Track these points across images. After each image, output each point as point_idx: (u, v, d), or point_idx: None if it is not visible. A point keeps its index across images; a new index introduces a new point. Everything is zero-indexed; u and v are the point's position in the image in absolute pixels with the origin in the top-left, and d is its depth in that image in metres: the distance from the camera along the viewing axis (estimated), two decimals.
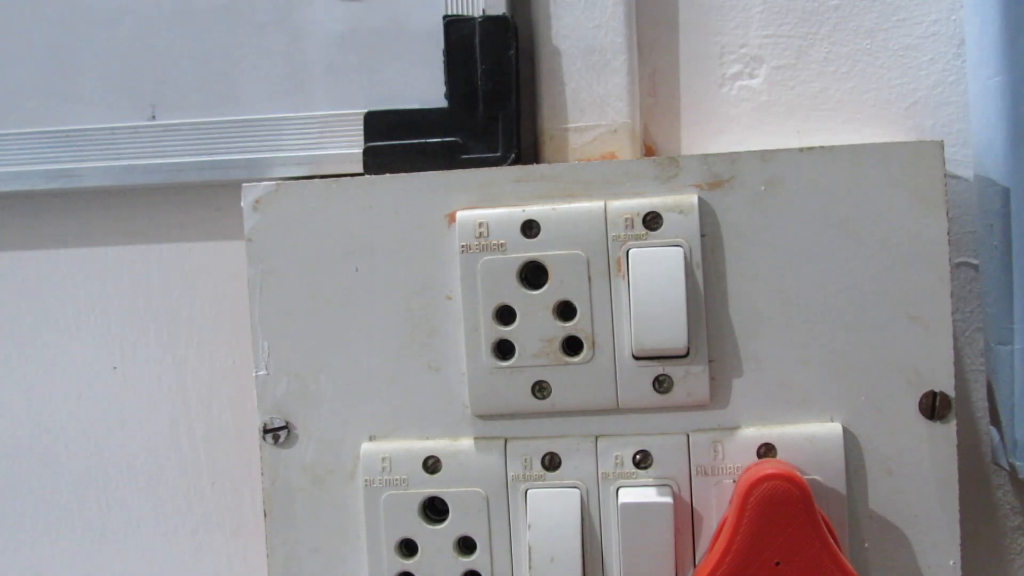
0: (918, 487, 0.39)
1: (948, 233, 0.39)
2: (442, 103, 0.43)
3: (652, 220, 0.39)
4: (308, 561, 0.42)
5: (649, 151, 0.45)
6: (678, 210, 0.39)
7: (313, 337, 0.42)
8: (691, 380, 0.39)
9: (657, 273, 0.38)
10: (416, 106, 0.43)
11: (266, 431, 0.42)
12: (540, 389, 0.40)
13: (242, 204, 0.42)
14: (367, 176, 0.42)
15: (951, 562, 0.39)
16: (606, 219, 0.39)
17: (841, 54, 0.44)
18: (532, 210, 0.40)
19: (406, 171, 0.41)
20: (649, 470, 0.40)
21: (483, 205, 0.40)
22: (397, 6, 0.43)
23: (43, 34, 0.45)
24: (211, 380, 0.47)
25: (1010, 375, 0.41)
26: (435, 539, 0.41)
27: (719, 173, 0.39)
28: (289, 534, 0.42)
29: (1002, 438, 0.42)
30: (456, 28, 0.42)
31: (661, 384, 0.39)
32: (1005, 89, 0.40)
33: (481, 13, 0.42)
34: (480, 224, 0.40)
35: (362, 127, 0.43)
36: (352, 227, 0.41)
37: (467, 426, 0.41)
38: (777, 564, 0.35)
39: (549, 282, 0.39)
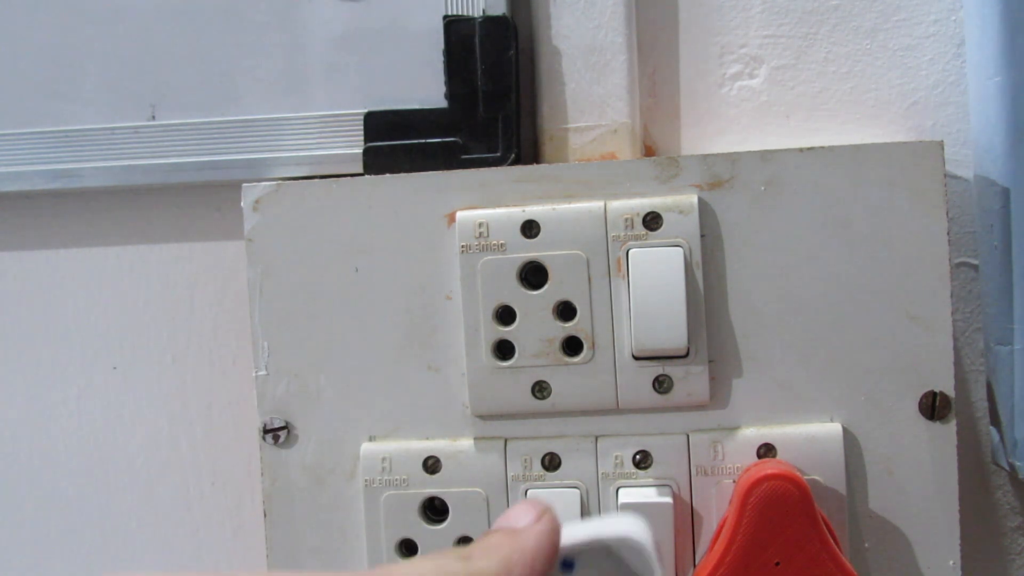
0: (918, 487, 0.39)
1: (948, 233, 0.39)
2: (442, 103, 0.43)
3: (652, 220, 0.39)
4: (308, 561, 0.42)
5: (649, 151, 0.45)
6: (678, 210, 0.39)
7: (313, 337, 0.42)
8: (691, 380, 0.39)
9: (657, 273, 0.38)
10: (416, 106, 0.43)
11: (266, 431, 0.42)
12: (540, 389, 0.40)
13: (242, 204, 0.42)
14: (367, 176, 0.42)
15: (951, 562, 0.39)
16: (606, 219, 0.39)
17: (841, 54, 0.44)
18: (532, 210, 0.40)
19: (406, 171, 0.41)
20: (649, 470, 0.40)
21: (483, 205, 0.40)
22: (397, 6, 0.43)
23: (43, 34, 0.45)
24: (211, 380, 0.47)
25: (1010, 375, 0.41)
26: (435, 539, 0.41)
27: (719, 173, 0.39)
28: (289, 534, 0.42)
29: (1002, 438, 0.42)
30: (456, 28, 0.42)
31: (661, 384, 0.39)
32: (1005, 89, 0.40)
33: (481, 13, 0.42)
34: (480, 224, 0.40)
35: (362, 127, 0.43)
36: (352, 227, 0.41)
37: (467, 426, 0.41)
38: (777, 564, 0.35)
39: (549, 282, 0.39)
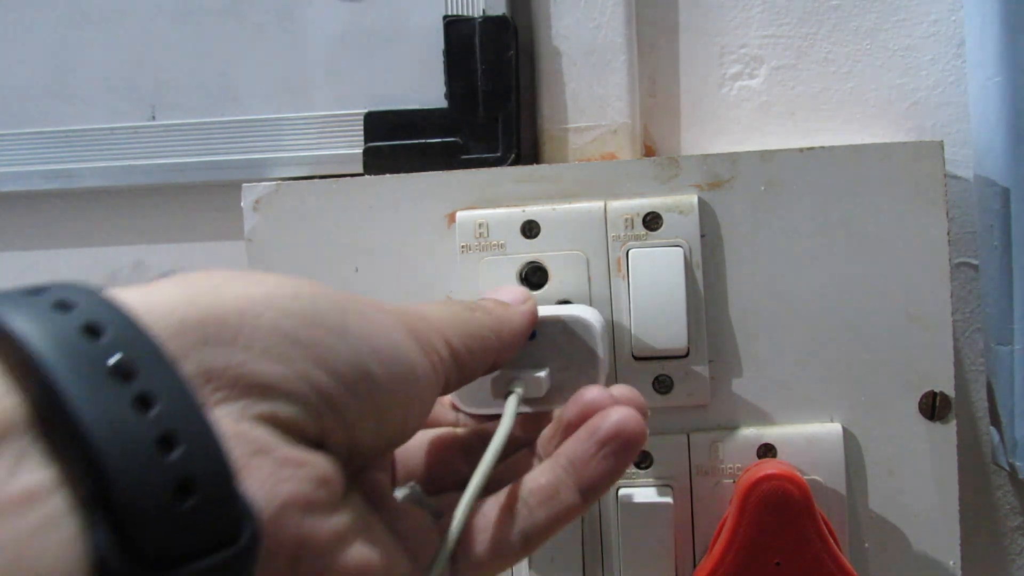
0: (918, 487, 0.39)
1: (948, 233, 0.39)
2: (442, 103, 0.43)
3: (652, 220, 0.39)
4: None
5: (649, 151, 0.45)
6: (678, 210, 0.39)
7: None
8: (691, 380, 0.39)
9: (657, 273, 0.38)
10: (416, 106, 0.43)
11: None
12: None
13: (242, 204, 0.42)
14: (367, 176, 0.42)
15: (951, 562, 0.39)
16: (606, 219, 0.39)
17: (841, 54, 0.44)
18: (532, 210, 0.40)
19: (406, 171, 0.41)
20: (649, 470, 0.40)
21: (483, 205, 0.40)
22: (397, 6, 0.43)
23: (43, 34, 0.45)
24: None
25: (1010, 375, 0.41)
26: None
27: (719, 173, 0.39)
28: None
29: (1002, 438, 0.42)
30: (456, 28, 0.42)
31: (661, 384, 0.39)
32: (1005, 89, 0.40)
33: (481, 13, 0.42)
34: (480, 224, 0.40)
35: (362, 127, 0.43)
36: (352, 227, 0.41)
37: None
38: (777, 564, 0.35)
39: (549, 282, 0.39)
